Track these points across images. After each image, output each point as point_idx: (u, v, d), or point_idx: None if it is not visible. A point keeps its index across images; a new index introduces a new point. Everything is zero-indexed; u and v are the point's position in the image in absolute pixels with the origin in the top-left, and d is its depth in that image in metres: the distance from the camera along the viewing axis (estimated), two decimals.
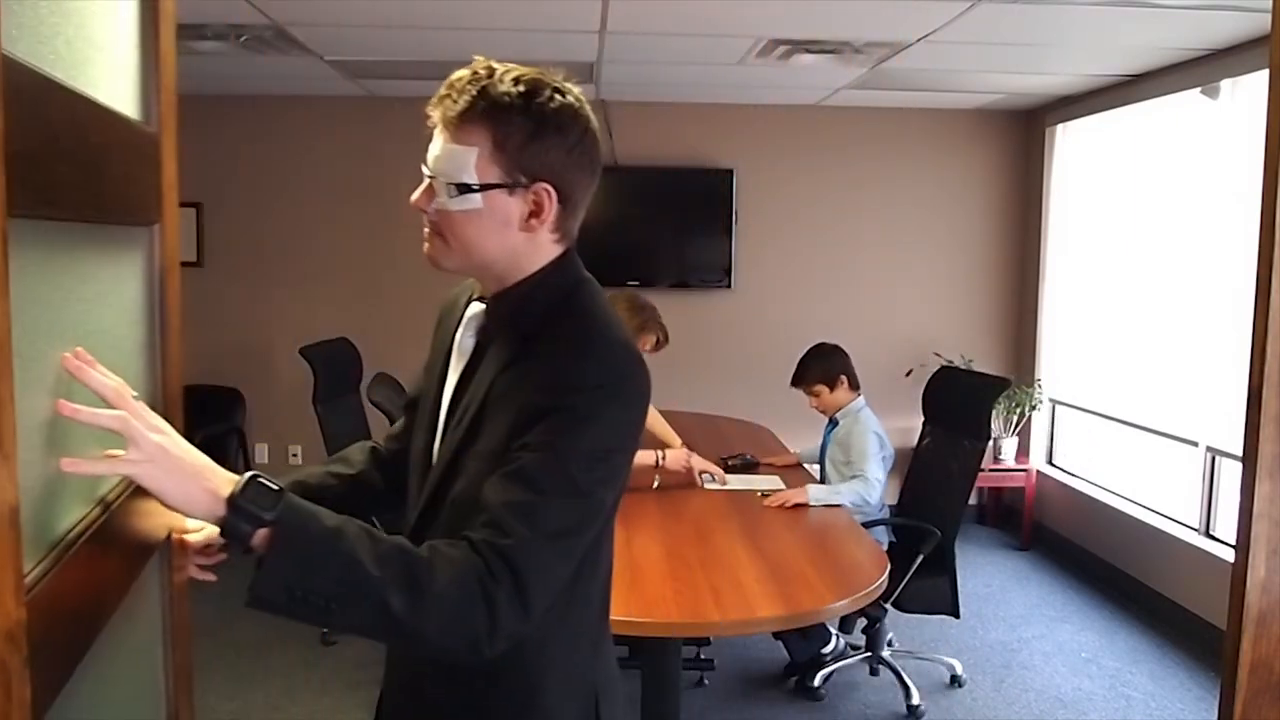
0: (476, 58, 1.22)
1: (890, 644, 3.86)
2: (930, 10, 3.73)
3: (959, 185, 6.06)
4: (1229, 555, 3.45)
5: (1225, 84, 4.25)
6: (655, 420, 3.80)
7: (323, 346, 4.28)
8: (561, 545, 1.15)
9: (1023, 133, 6.02)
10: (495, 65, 1.20)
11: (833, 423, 3.82)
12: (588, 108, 1.25)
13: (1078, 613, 4.64)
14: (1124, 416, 5.07)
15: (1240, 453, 1.29)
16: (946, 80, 5.09)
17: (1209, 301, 4.36)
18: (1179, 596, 4.39)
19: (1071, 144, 5.63)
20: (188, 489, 1.01)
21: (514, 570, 1.09)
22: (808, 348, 3.91)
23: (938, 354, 5.75)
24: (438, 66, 6.02)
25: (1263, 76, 1.33)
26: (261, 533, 1.02)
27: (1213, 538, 4.33)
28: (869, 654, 3.78)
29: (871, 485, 3.46)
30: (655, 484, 3.28)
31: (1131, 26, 3.90)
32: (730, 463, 3.71)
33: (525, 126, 1.18)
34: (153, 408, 1.03)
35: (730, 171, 5.87)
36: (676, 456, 3.35)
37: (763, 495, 3.38)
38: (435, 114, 1.21)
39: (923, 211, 6.05)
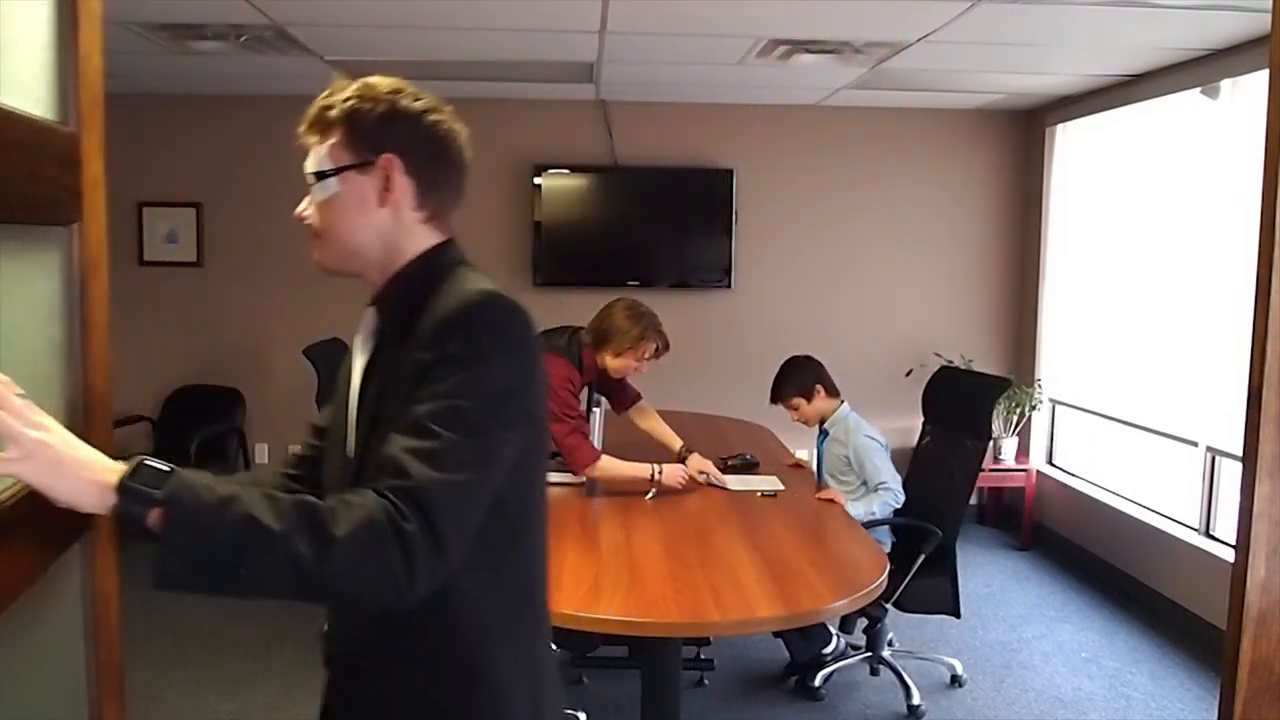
0: (336, 80, 1.35)
1: (890, 644, 3.86)
2: (930, 10, 3.73)
3: (959, 185, 6.06)
4: (1229, 555, 3.45)
5: (1225, 84, 4.25)
6: (656, 425, 3.80)
7: (323, 346, 4.28)
8: (467, 485, 1.16)
9: (1023, 133, 6.02)
10: (345, 81, 1.33)
11: (823, 433, 3.82)
12: (438, 102, 1.34)
13: (1078, 613, 4.64)
14: (1124, 416, 5.07)
15: (1240, 453, 1.29)
16: (946, 80, 5.09)
17: (1209, 301, 4.36)
18: (1179, 596, 4.39)
19: (1071, 144, 5.63)
20: (73, 484, 1.01)
21: (422, 508, 1.10)
22: (785, 359, 3.93)
23: (938, 354, 5.75)
24: (438, 66, 5.99)
25: (1263, 76, 1.33)
26: (156, 512, 1.02)
27: (1213, 538, 4.33)
28: (869, 654, 3.78)
29: (896, 492, 3.56)
30: (649, 495, 3.27)
31: (1131, 26, 3.90)
32: (730, 463, 3.71)
33: (368, 111, 1.29)
34: (72, 408, 1.01)
35: (730, 171, 5.87)
36: (673, 472, 3.31)
37: (763, 495, 3.38)
38: (302, 130, 1.33)
39: (923, 211, 6.05)
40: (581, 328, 3.49)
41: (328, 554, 1.05)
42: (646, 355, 3.44)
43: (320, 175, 1.30)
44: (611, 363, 3.44)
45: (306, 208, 1.33)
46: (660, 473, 3.28)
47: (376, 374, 1.31)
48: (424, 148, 1.31)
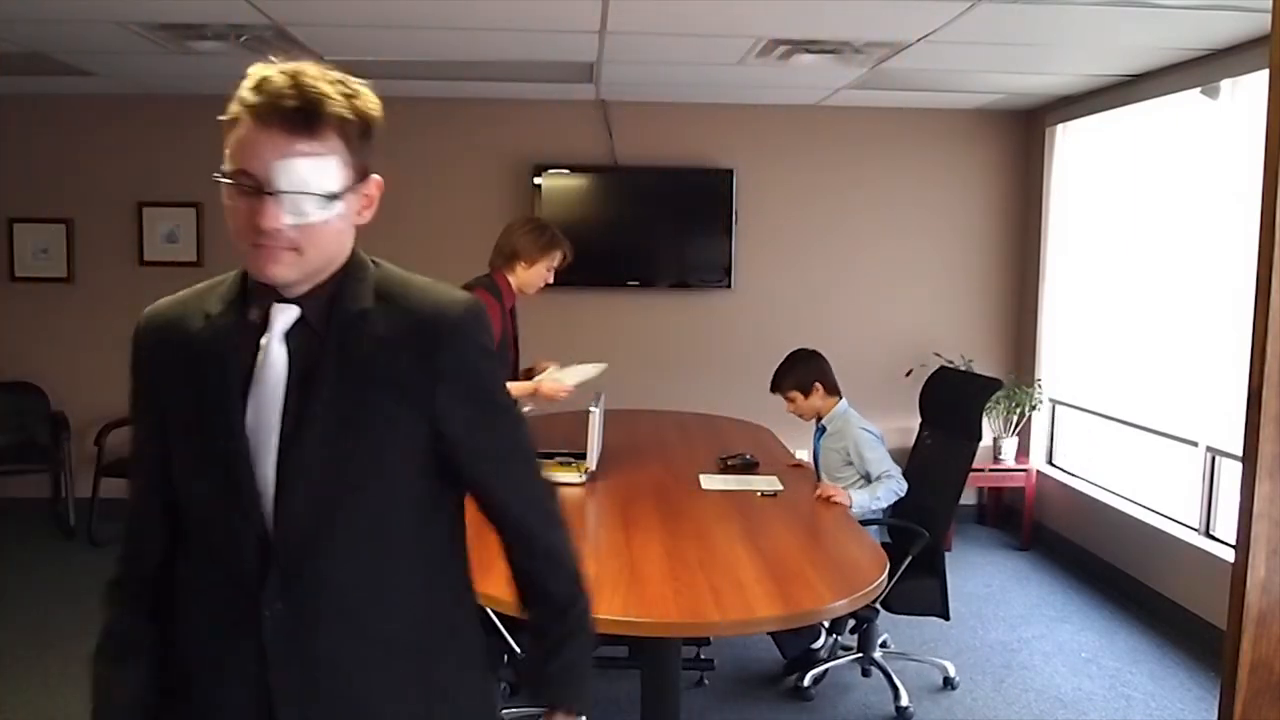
0: (271, 60, 1.19)
1: (885, 645, 3.86)
2: (930, 10, 3.72)
3: (959, 185, 6.06)
4: (1229, 555, 3.44)
5: (1225, 84, 4.25)
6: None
7: None
8: (558, 499, 1.40)
9: (1023, 133, 6.02)
10: (298, 66, 1.17)
11: (820, 429, 3.82)
12: None
13: (1078, 613, 4.64)
14: (1124, 416, 5.07)
15: (1240, 453, 1.29)
16: (946, 80, 5.09)
17: (1209, 301, 4.35)
18: (1179, 596, 4.39)
19: (1071, 144, 5.63)
20: None
21: (567, 553, 1.38)
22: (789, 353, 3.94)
23: (938, 354, 5.75)
24: (438, 66, 5.98)
25: (1263, 76, 1.33)
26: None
27: (1213, 538, 4.32)
28: (860, 655, 3.77)
29: (899, 480, 3.57)
30: (527, 409, 3.40)
31: (1131, 26, 3.90)
32: (730, 463, 3.72)
33: (359, 124, 1.17)
34: None
35: (730, 171, 5.87)
36: (553, 386, 3.54)
37: (763, 495, 3.38)
38: (268, 121, 1.15)
39: (923, 211, 6.05)
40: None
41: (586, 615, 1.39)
42: (556, 263, 3.61)
43: (331, 198, 1.15)
44: (524, 275, 3.59)
45: (280, 219, 1.16)
46: (540, 386, 3.56)
47: (325, 385, 1.19)
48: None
